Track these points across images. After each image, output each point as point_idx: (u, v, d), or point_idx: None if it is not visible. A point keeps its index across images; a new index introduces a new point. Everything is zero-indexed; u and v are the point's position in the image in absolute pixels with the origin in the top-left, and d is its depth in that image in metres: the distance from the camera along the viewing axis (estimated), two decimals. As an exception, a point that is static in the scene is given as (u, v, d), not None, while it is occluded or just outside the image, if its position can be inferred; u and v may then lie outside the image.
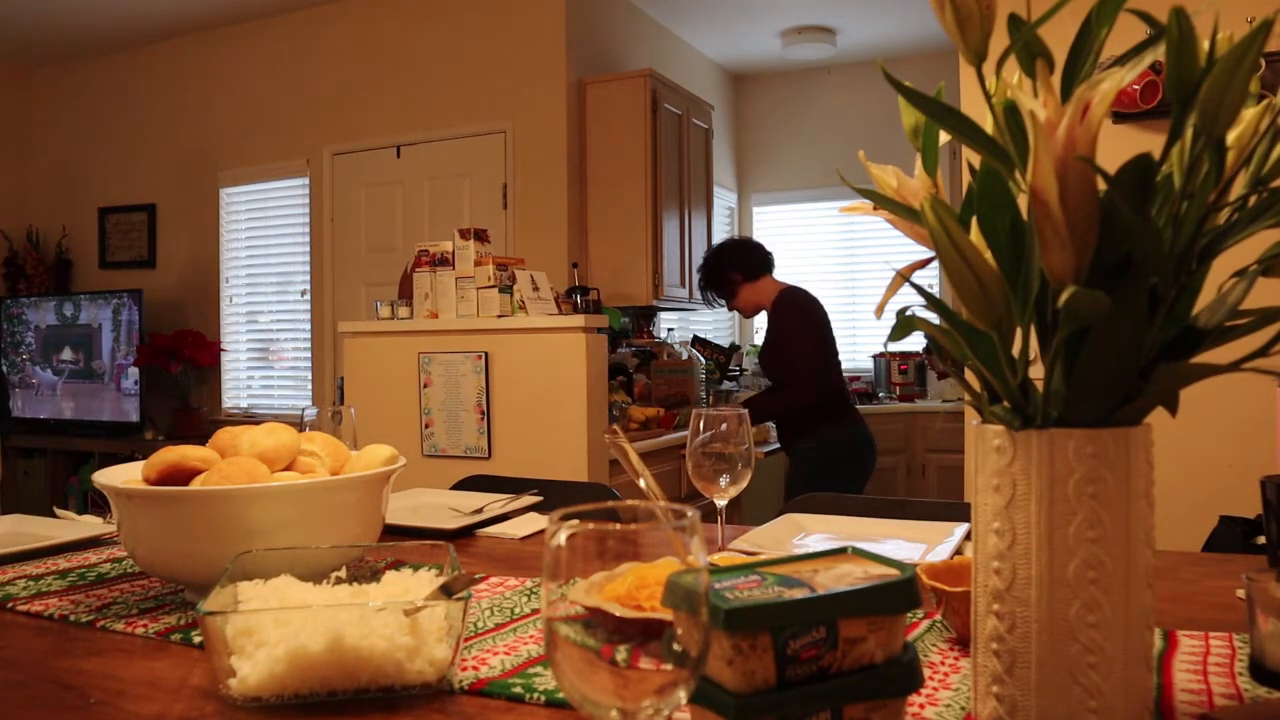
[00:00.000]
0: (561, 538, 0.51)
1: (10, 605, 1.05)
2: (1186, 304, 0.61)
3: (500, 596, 1.07)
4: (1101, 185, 0.57)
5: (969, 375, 0.67)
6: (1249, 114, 0.62)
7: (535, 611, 1.01)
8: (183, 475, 1.05)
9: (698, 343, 4.95)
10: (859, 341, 5.57)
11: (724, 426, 1.27)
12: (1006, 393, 0.63)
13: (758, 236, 5.26)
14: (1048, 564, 0.60)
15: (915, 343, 4.95)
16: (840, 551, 0.69)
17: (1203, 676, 0.78)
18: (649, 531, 0.52)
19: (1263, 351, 0.58)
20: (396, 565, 0.99)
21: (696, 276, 3.91)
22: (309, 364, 4.97)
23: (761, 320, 3.65)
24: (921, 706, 0.73)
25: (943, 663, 0.83)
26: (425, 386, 3.06)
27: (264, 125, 5.02)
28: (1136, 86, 2.62)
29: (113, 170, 5.49)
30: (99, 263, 5.55)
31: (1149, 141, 2.49)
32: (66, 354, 5.21)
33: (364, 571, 0.99)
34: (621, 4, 4.70)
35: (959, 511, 1.52)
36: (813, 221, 5.79)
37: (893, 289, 0.72)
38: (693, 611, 0.50)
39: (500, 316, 2.97)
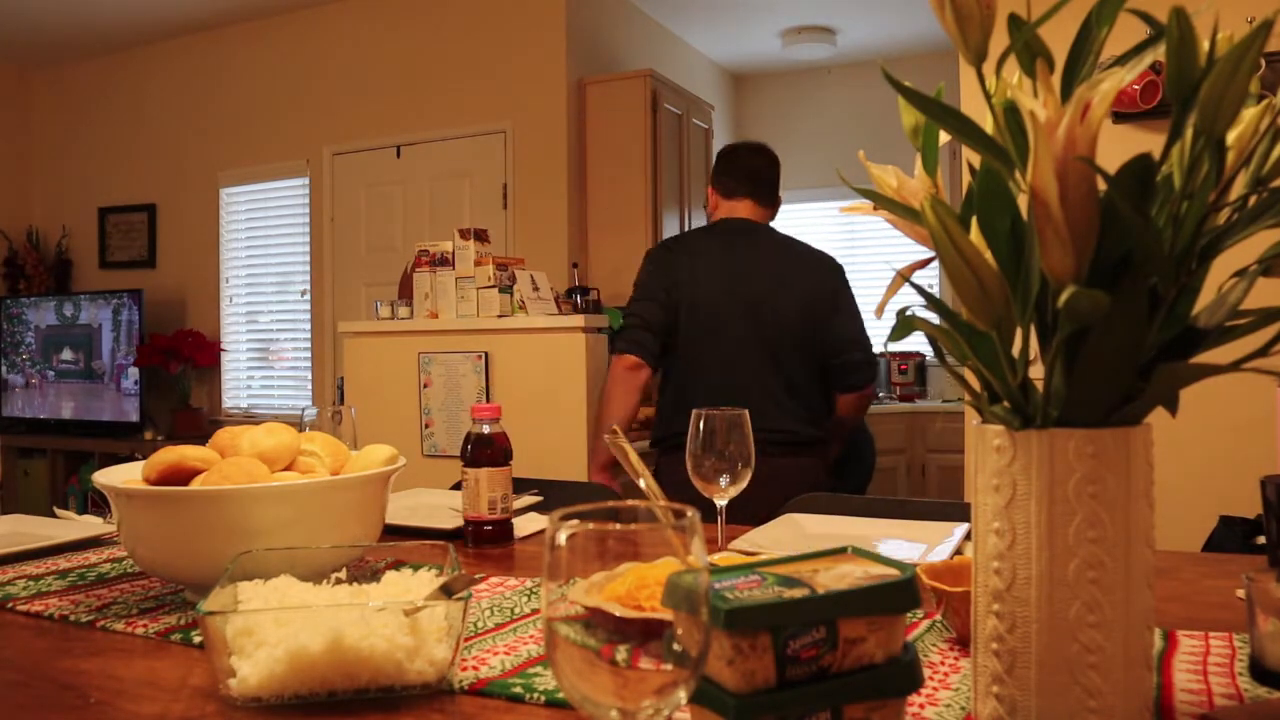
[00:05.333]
0: (561, 538, 0.51)
1: (10, 605, 1.05)
2: (1186, 304, 0.61)
3: (500, 596, 1.07)
4: (1101, 185, 0.57)
5: (969, 375, 0.66)
6: (1249, 114, 0.62)
7: (535, 611, 1.01)
8: (183, 475, 1.05)
9: (698, 343, 4.94)
10: (859, 341, 5.56)
11: (724, 426, 1.27)
12: (1006, 393, 0.63)
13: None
14: (1048, 564, 0.60)
15: (915, 343, 4.95)
16: (840, 551, 0.69)
17: (1203, 676, 0.78)
18: (649, 531, 0.52)
19: (1263, 351, 0.58)
20: (396, 565, 0.99)
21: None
22: (309, 364, 4.97)
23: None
24: (921, 706, 0.73)
25: (943, 663, 0.83)
26: (425, 386, 3.06)
27: (264, 125, 5.02)
28: (1136, 86, 2.62)
29: (113, 170, 5.49)
30: (99, 263, 5.55)
31: (1149, 141, 2.49)
32: (66, 354, 5.21)
33: (364, 571, 0.99)
34: (621, 4, 4.70)
35: (959, 511, 1.52)
36: (813, 221, 5.78)
37: (893, 289, 0.72)
38: (693, 611, 0.50)
39: (500, 316, 2.97)
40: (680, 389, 2.46)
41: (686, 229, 4.54)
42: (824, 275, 2.50)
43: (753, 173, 2.57)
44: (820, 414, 2.49)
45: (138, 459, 1.20)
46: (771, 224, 2.62)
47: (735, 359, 2.40)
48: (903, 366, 5.22)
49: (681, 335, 2.44)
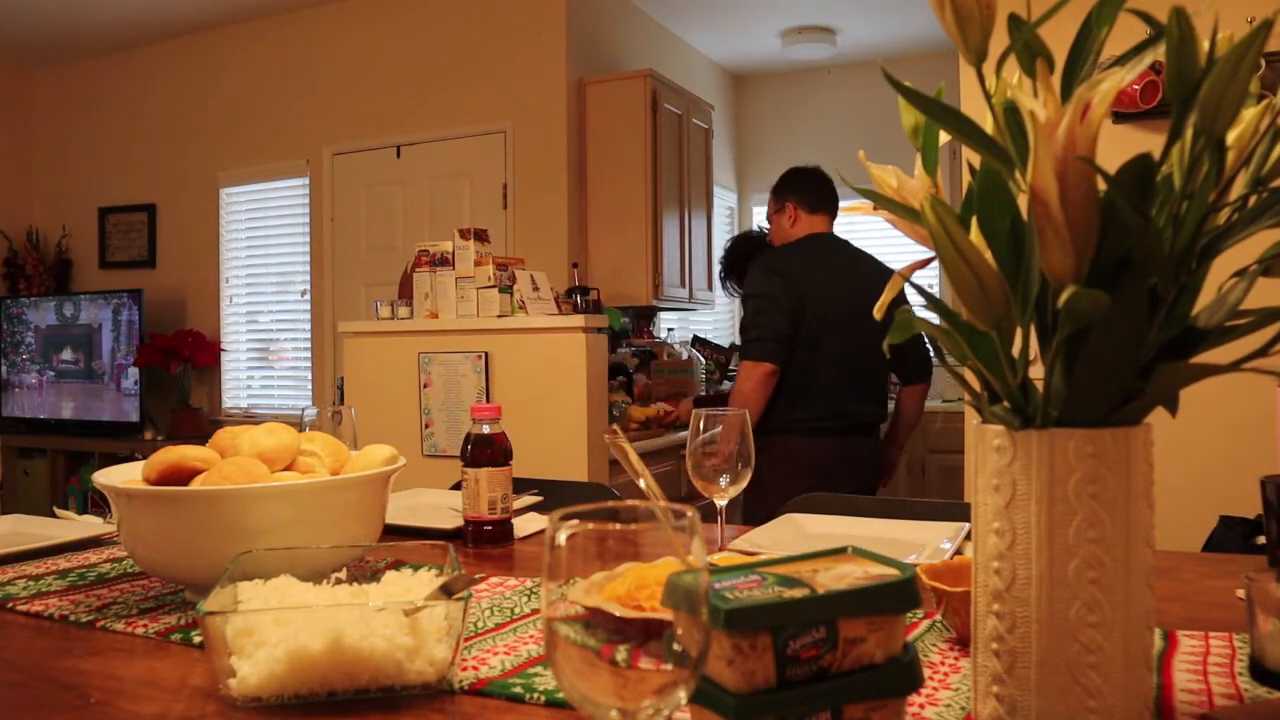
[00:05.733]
0: (561, 538, 0.51)
1: (10, 605, 1.05)
2: (1186, 304, 0.61)
3: (500, 596, 1.07)
4: (1101, 185, 0.57)
5: (969, 375, 0.67)
6: (1249, 114, 0.62)
7: (535, 611, 1.01)
8: (183, 475, 1.05)
9: (698, 343, 4.95)
10: (859, 341, 5.56)
11: (723, 426, 1.27)
12: (1006, 393, 0.63)
13: (758, 236, 5.25)
14: (1048, 564, 0.60)
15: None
16: (840, 551, 0.69)
17: (1203, 676, 0.78)
18: (649, 531, 0.52)
19: (1263, 351, 0.58)
20: (396, 565, 0.99)
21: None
22: (309, 364, 4.97)
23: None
24: (921, 706, 0.73)
25: (943, 663, 0.83)
26: (425, 386, 3.06)
27: (264, 125, 5.02)
28: (1136, 86, 2.62)
29: (113, 170, 5.49)
30: (99, 263, 5.55)
31: (1149, 141, 2.49)
32: (66, 354, 5.21)
33: (364, 571, 0.99)
34: (621, 4, 4.70)
35: (959, 511, 1.52)
36: (813, 221, 5.78)
37: (893, 289, 0.73)
38: (693, 611, 0.50)
39: (500, 316, 2.97)
40: (798, 384, 2.80)
41: (687, 229, 4.54)
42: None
43: (828, 192, 3.03)
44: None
45: (138, 459, 1.20)
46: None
47: (844, 356, 2.80)
48: (903, 366, 5.21)
49: (802, 338, 2.79)
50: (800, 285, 2.79)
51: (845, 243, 3.00)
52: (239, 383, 5.25)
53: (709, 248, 4.86)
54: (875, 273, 2.89)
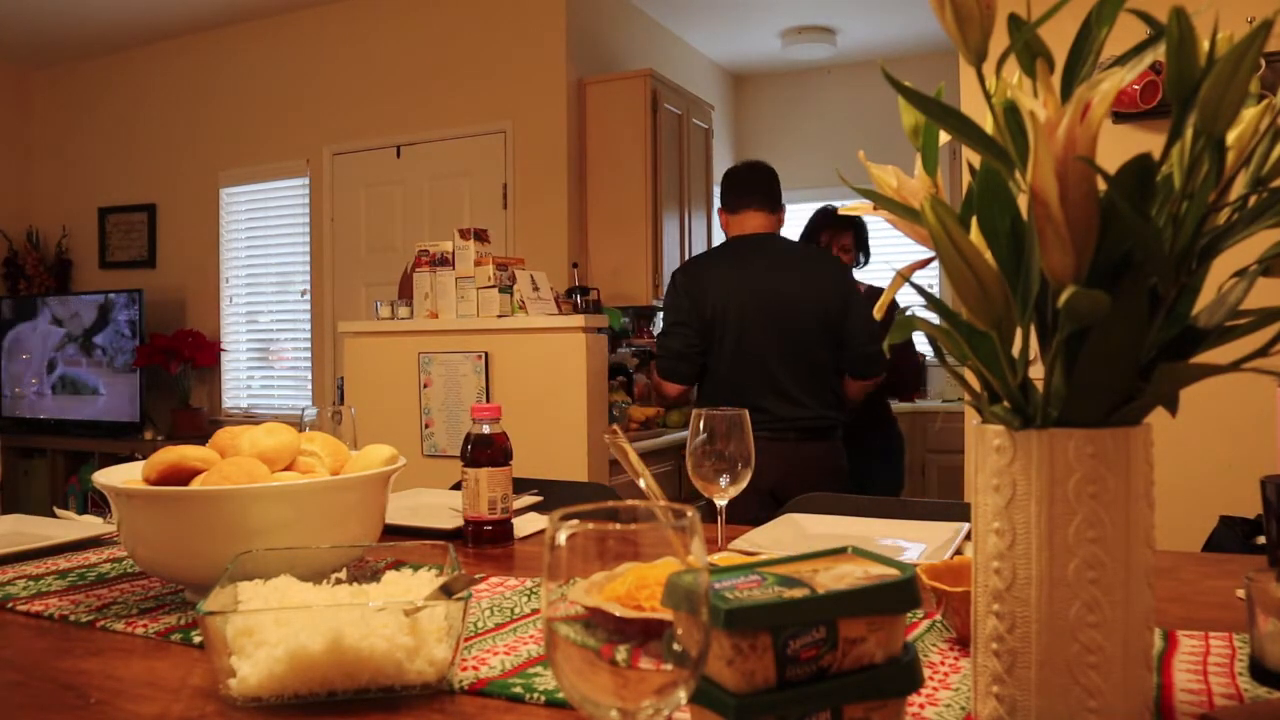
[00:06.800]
0: (561, 538, 0.51)
1: (10, 605, 1.05)
2: (1186, 304, 0.61)
3: (500, 596, 1.07)
4: (1101, 185, 0.57)
5: (969, 375, 0.66)
6: (1249, 114, 0.62)
7: (535, 611, 1.01)
8: (183, 475, 1.05)
9: (698, 343, 4.94)
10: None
11: (724, 426, 1.27)
12: (1006, 393, 0.63)
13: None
14: (1048, 564, 0.60)
15: (915, 343, 4.94)
16: (840, 551, 0.69)
17: (1203, 676, 0.78)
18: (649, 531, 0.52)
19: (1263, 351, 0.58)
20: (396, 565, 0.99)
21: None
22: (309, 364, 4.97)
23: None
24: (921, 706, 0.73)
25: (943, 663, 0.83)
26: (425, 386, 3.06)
27: (264, 125, 5.02)
28: (1136, 86, 2.62)
29: (113, 170, 5.49)
30: (99, 263, 5.55)
31: (1149, 141, 2.49)
32: (66, 354, 5.21)
33: (364, 572, 0.99)
34: (621, 4, 4.70)
35: (959, 511, 1.52)
36: (813, 221, 5.78)
37: (893, 289, 0.73)
38: (693, 611, 0.50)
39: (500, 316, 2.97)
40: (715, 394, 2.70)
41: (687, 229, 4.55)
42: (833, 279, 2.74)
43: (753, 183, 2.83)
44: (841, 401, 2.77)
45: (138, 459, 1.20)
46: (781, 231, 2.85)
47: (763, 364, 2.65)
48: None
49: (714, 349, 2.70)
50: (706, 300, 2.68)
51: (776, 241, 2.79)
52: (239, 383, 5.25)
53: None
54: (805, 273, 2.70)
